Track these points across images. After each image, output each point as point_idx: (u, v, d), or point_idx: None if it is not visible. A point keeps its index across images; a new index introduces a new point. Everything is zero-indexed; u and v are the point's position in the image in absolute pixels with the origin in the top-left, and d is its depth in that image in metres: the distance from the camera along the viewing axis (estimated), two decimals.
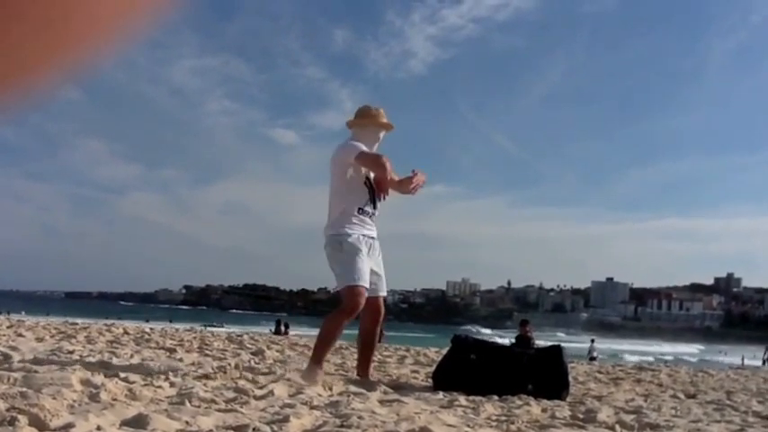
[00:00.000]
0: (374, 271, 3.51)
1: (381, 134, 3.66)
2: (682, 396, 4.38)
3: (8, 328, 5.85)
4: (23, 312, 21.45)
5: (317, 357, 3.37)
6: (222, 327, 20.70)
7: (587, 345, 21.42)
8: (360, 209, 3.48)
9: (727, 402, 4.06)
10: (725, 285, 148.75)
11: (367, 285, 3.40)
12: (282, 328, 17.04)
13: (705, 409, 3.60)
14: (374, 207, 3.54)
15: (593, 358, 17.06)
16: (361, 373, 3.64)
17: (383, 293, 3.62)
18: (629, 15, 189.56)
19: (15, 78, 0.38)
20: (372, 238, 3.52)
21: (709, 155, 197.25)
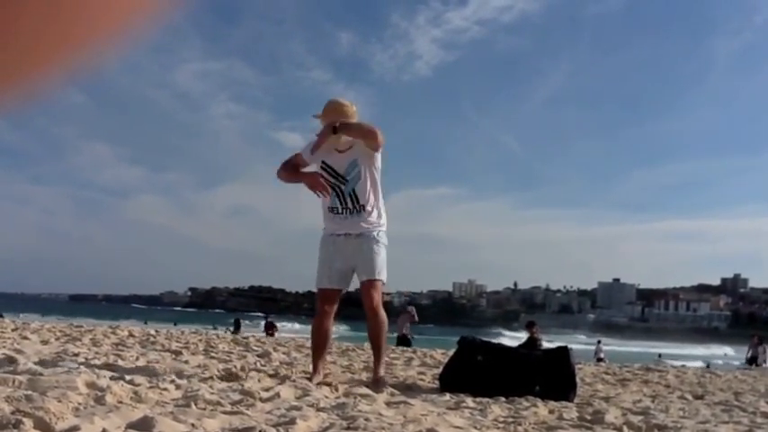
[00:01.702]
0: (337, 268, 3.46)
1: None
2: (689, 397, 4.34)
3: (13, 330, 5.87)
4: (20, 315, 21.32)
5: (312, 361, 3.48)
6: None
7: (593, 347, 21.37)
8: (329, 207, 3.49)
9: (736, 403, 4.03)
10: (732, 286, 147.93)
11: (322, 286, 3.48)
12: (242, 328, 16.89)
13: (713, 410, 3.57)
14: (341, 203, 3.46)
15: (600, 359, 17.01)
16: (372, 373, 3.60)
17: (336, 286, 3.49)
18: (633, 17, 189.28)
19: (17, 77, 0.37)
20: (346, 235, 3.45)
21: (715, 155, 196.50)
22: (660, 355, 21.81)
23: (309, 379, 3.29)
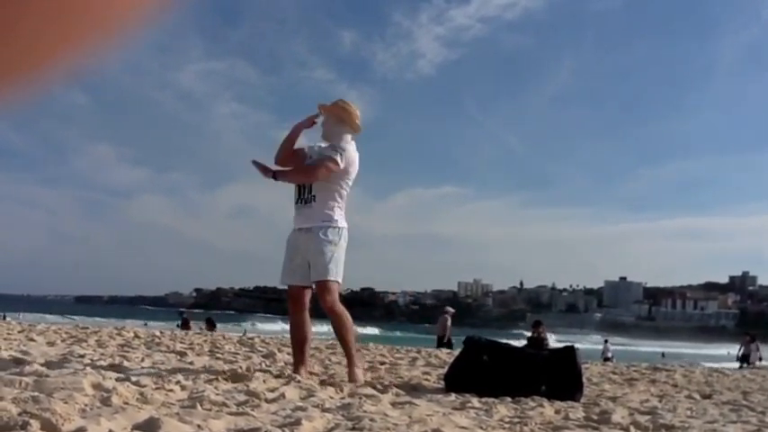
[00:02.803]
0: (297, 263, 3.45)
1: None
2: (697, 396, 4.32)
3: (19, 332, 5.90)
4: (21, 314, 21.31)
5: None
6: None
7: (600, 346, 21.33)
8: (294, 200, 3.52)
9: (744, 403, 4.00)
10: (740, 284, 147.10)
11: (285, 283, 3.51)
12: (203, 325, 16.41)
13: (721, 409, 3.55)
14: (299, 192, 3.47)
15: (607, 359, 16.97)
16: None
17: (299, 283, 3.47)
18: (637, 14, 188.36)
19: (18, 74, 0.37)
20: (299, 229, 3.46)
21: (721, 153, 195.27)
22: (663, 354, 21.72)
23: (295, 371, 3.35)
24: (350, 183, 3.52)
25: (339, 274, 3.40)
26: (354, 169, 3.52)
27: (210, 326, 16.11)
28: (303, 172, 3.48)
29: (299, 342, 3.47)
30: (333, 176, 3.44)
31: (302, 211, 3.45)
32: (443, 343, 12.23)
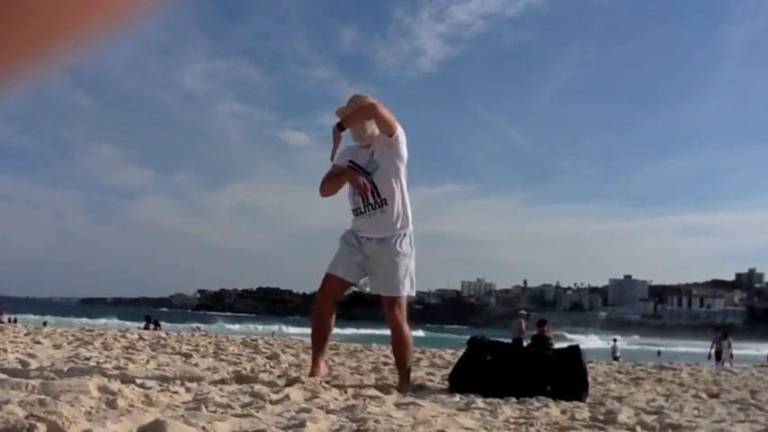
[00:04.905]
0: (356, 262, 3.31)
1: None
2: (704, 396, 4.30)
3: (25, 335, 5.92)
4: (14, 317, 21.15)
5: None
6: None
7: (597, 345, 21.33)
8: (353, 210, 3.39)
9: (752, 401, 3.98)
10: (747, 281, 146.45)
11: (335, 272, 3.32)
12: (152, 325, 17.09)
13: (729, 408, 3.53)
14: (364, 200, 3.31)
15: (616, 358, 16.97)
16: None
17: (347, 278, 3.33)
18: (641, 5, 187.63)
19: (14, 61, 0.37)
20: (368, 238, 3.31)
21: (728, 147, 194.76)
22: (660, 353, 21.63)
23: (311, 374, 3.23)
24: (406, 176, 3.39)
25: (413, 287, 3.32)
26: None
27: (153, 324, 16.86)
28: (367, 107, 3.24)
29: (323, 334, 3.36)
30: (397, 171, 3.31)
31: (372, 218, 3.28)
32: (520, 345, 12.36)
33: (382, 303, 3.33)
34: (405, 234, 3.31)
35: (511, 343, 4.22)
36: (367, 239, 3.31)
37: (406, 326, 3.32)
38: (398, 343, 3.35)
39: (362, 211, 3.32)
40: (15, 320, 17.74)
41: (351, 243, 3.35)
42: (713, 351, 16.72)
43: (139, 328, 14.87)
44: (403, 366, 3.41)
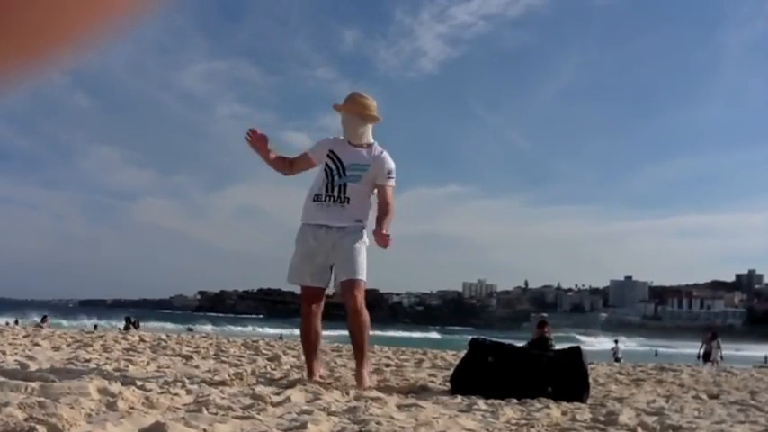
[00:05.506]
0: (318, 263, 3.33)
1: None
2: (704, 396, 4.29)
3: (24, 337, 5.92)
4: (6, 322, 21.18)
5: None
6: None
7: (608, 346, 21.34)
8: (315, 195, 3.37)
9: (752, 402, 3.97)
10: (747, 282, 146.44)
11: (305, 284, 3.36)
12: (131, 326, 17.39)
13: (729, 409, 3.52)
14: (327, 190, 3.33)
15: (617, 359, 16.95)
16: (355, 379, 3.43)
17: (319, 284, 3.37)
18: (642, 7, 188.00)
19: (12, 60, 0.37)
20: (327, 227, 3.31)
21: (728, 149, 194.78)
22: (657, 353, 21.61)
23: (310, 375, 3.36)
24: None
25: (366, 275, 3.36)
26: None
27: (133, 324, 17.13)
28: (391, 213, 3.34)
29: (314, 345, 3.43)
30: (369, 197, 3.42)
31: (332, 210, 3.32)
32: (538, 344, 12.39)
33: (343, 288, 3.36)
34: (362, 228, 3.39)
35: (510, 344, 4.20)
36: (327, 228, 3.33)
37: (365, 310, 3.35)
38: (359, 324, 3.32)
39: (323, 199, 3.34)
40: (17, 322, 17.85)
41: (308, 244, 3.36)
42: (702, 352, 16.70)
43: (120, 329, 15.07)
44: (361, 350, 3.38)
